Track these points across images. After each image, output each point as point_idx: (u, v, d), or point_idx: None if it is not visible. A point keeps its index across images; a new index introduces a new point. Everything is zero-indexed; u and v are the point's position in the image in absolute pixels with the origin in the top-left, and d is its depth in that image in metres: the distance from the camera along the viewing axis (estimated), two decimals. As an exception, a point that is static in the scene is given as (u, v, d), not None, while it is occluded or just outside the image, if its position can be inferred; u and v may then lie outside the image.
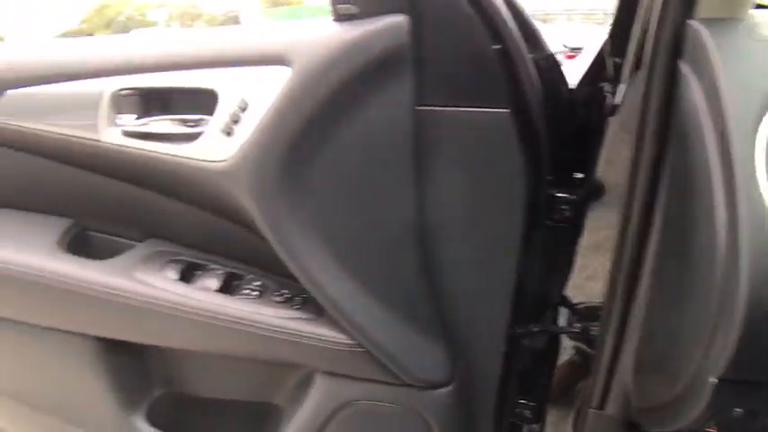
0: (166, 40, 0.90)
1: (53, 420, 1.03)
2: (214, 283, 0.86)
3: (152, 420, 0.98)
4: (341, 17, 0.72)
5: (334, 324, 0.80)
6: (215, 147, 0.75)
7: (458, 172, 0.76)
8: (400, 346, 0.81)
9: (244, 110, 0.73)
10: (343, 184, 0.76)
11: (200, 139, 0.77)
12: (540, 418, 1.01)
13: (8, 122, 0.86)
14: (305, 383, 0.90)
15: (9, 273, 0.87)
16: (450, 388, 0.85)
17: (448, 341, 0.85)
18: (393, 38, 0.68)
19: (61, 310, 0.89)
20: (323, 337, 0.81)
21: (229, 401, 1.00)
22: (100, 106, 0.81)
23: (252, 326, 0.82)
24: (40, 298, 0.88)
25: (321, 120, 0.71)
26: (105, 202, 0.94)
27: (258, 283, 0.87)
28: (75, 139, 0.84)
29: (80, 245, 0.94)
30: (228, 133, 0.74)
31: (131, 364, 0.96)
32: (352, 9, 0.70)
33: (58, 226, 0.94)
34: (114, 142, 0.81)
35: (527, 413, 0.99)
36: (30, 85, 0.85)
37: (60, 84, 0.84)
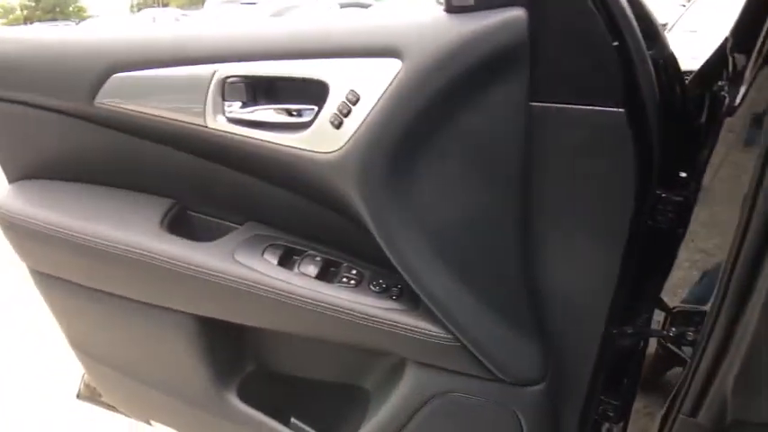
0: (274, 28, 0.91)
1: (148, 389, 1.09)
2: (312, 269, 0.88)
3: (242, 395, 1.02)
4: (455, 8, 0.70)
5: (430, 317, 0.81)
6: (324, 138, 0.76)
7: (566, 170, 0.74)
8: (496, 341, 0.81)
9: (354, 102, 0.73)
10: (449, 179, 0.75)
11: (309, 129, 0.78)
12: (623, 417, 1.00)
13: (114, 105, 0.90)
14: (396, 371, 0.91)
15: (115, 251, 0.92)
16: (541, 386, 0.85)
17: (543, 338, 0.84)
18: (511, 33, 0.67)
19: (163, 288, 0.94)
20: (418, 329, 0.82)
21: (317, 381, 1.03)
22: (208, 93, 0.83)
23: (349, 314, 0.83)
24: (143, 276, 0.93)
25: (432, 115, 0.70)
26: (206, 185, 0.97)
27: (355, 271, 0.89)
28: (180, 123, 0.87)
29: (180, 225, 0.98)
30: (338, 125, 0.75)
31: (226, 341, 1.00)
32: (469, 0, 0.69)
33: (159, 206, 0.99)
34: (221, 129, 0.84)
35: (611, 412, 0.98)
36: (136, 70, 0.88)
37: (167, 68, 0.86)
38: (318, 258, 0.90)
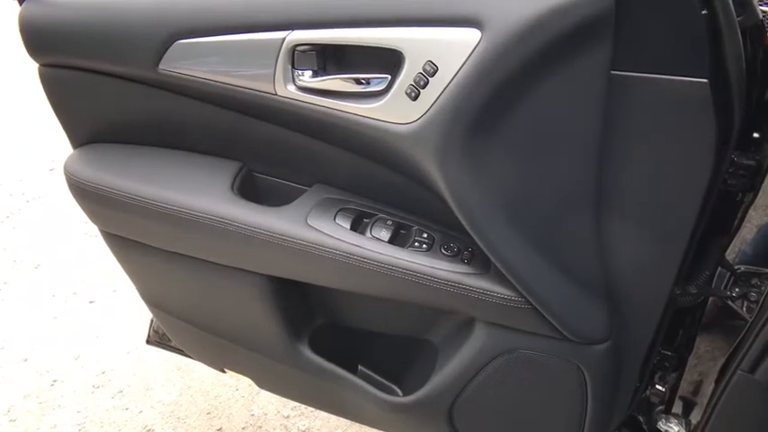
0: None
1: (222, 341, 1.16)
2: (385, 233, 0.91)
3: (313, 347, 1.08)
4: None
5: (501, 279, 0.84)
6: (399, 109, 0.77)
7: (644, 139, 0.75)
8: (565, 303, 0.84)
9: (432, 74, 0.73)
10: (526, 149, 0.77)
11: (383, 99, 0.78)
12: (679, 368, 1.04)
13: (178, 71, 0.91)
14: (463, 328, 0.96)
15: (188, 217, 0.96)
16: (607, 344, 0.89)
17: (609, 298, 0.88)
18: (598, 1, 0.66)
19: (236, 251, 0.98)
20: (489, 292, 0.85)
21: (385, 335, 1.09)
22: (277, 60, 0.84)
23: (422, 278, 0.87)
24: (217, 240, 0.97)
25: (512, 87, 0.71)
26: (273, 148, 0.99)
27: (426, 234, 0.92)
28: (248, 91, 0.88)
29: (249, 188, 1.01)
30: (415, 97, 0.75)
31: (298, 298, 1.05)
32: None
33: (227, 169, 1.01)
34: (291, 97, 0.85)
35: (667, 362, 1.02)
36: (200, 36, 0.89)
37: (233, 35, 0.87)
38: (390, 222, 0.93)
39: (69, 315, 2.21)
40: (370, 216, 0.95)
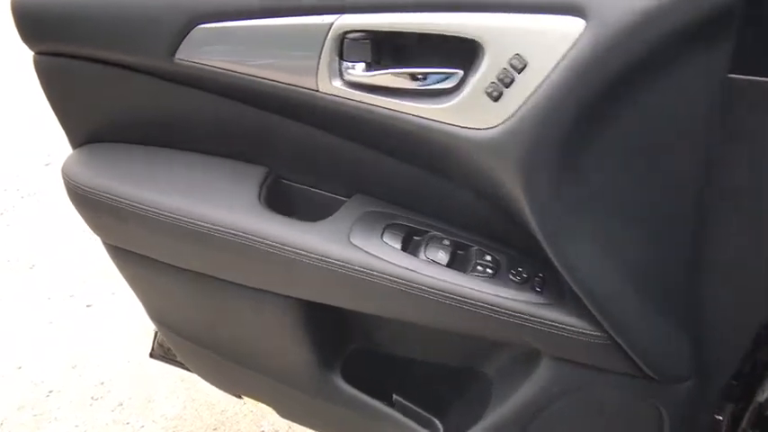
0: None
1: (238, 367, 1.04)
2: (442, 255, 0.79)
3: (345, 375, 0.96)
4: None
5: (578, 311, 0.73)
6: (476, 111, 0.65)
7: (757, 151, 0.64)
8: (651, 339, 0.73)
9: (520, 70, 0.61)
10: (627, 166, 0.65)
11: (455, 99, 0.66)
12: (748, 395, 0.93)
13: (198, 61, 0.79)
14: (525, 361, 0.84)
15: (209, 231, 0.84)
16: (689, 383, 0.78)
17: (696, 334, 0.76)
18: None
19: (264, 271, 0.86)
20: (564, 325, 0.74)
21: (430, 363, 0.97)
22: (322, 50, 0.71)
23: (486, 307, 0.75)
24: (242, 258, 0.85)
25: (620, 87, 0.59)
26: (307, 152, 0.87)
27: (488, 257, 0.80)
28: (283, 86, 0.76)
29: (278, 198, 0.89)
30: (497, 97, 0.63)
31: (331, 322, 0.94)
32: None
33: (252, 176, 0.89)
34: (337, 94, 0.73)
35: (736, 391, 0.91)
36: (226, 20, 0.76)
37: (266, 19, 0.75)
38: (446, 242, 0.81)
39: (66, 319, 2.09)
40: (420, 233, 0.83)
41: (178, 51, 0.79)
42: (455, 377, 0.97)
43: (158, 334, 1.31)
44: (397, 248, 0.80)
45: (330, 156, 0.86)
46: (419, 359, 0.98)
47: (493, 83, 0.63)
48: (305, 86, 0.75)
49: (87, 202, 0.92)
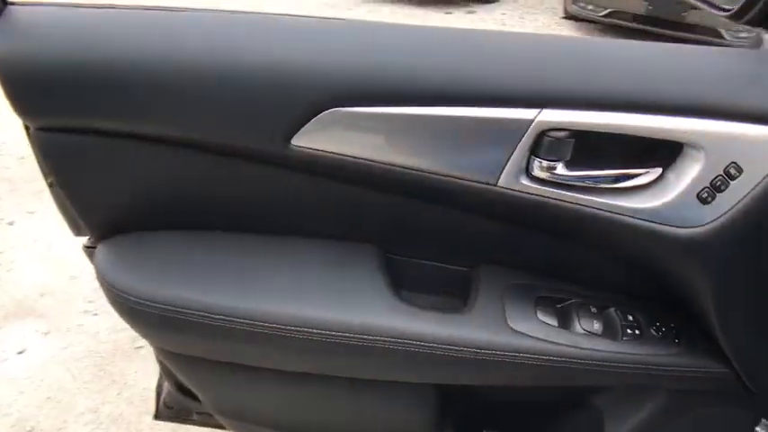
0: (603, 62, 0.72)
1: None
2: (597, 325, 0.80)
3: None
4: None
5: (710, 354, 0.80)
6: (682, 210, 0.68)
7: None
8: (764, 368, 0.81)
9: (733, 177, 0.64)
10: None
11: (660, 199, 0.68)
12: None
13: (321, 148, 0.70)
14: (639, 390, 0.88)
15: (333, 339, 0.75)
16: None
17: None
18: None
19: (410, 368, 0.80)
20: (698, 368, 0.80)
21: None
22: (517, 145, 0.67)
23: (641, 367, 0.79)
24: (382, 359, 0.78)
25: None
26: (422, 225, 0.82)
27: (630, 317, 0.82)
28: (446, 179, 0.70)
29: (394, 277, 0.82)
30: (708, 200, 0.66)
31: (464, 404, 0.91)
32: None
33: (366, 260, 0.81)
34: (522, 190, 0.70)
35: None
36: (364, 105, 0.68)
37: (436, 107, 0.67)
38: (594, 309, 0.82)
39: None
40: (564, 301, 0.83)
41: (296, 137, 0.69)
42: (565, 410, 0.98)
43: (163, 392, 1.16)
44: (554, 326, 0.79)
45: (452, 228, 0.82)
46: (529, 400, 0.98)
47: (707, 188, 0.66)
48: (480, 181, 0.69)
49: (141, 314, 0.77)
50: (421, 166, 0.70)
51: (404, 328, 0.75)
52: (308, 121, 0.68)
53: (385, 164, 0.71)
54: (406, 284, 0.85)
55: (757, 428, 1.06)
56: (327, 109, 0.68)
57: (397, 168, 0.71)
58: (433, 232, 0.84)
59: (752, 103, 0.65)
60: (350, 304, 0.76)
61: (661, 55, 0.71)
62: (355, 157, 0.70)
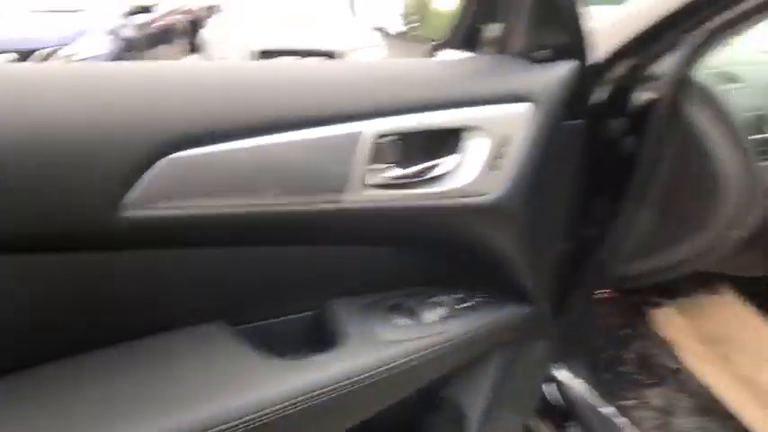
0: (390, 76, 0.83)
1: None
2: (439, 311, 0.92)
3: None
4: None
5: (522, 304, 0.97)
6: (481, 182, 0.81)
7: None
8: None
9: (505, 145, 0.81)
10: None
11: (461, 176, 0.80)
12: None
13: (159, 208, 0.63)
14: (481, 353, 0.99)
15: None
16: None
17: None
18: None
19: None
20: (513, 317, 0.97)
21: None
22: (353, 156, 0.71)
23: (482, 330, 0.93)
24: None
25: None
26: (270, 279, 0.82)
27: (460, 295, 0.96)
28: (292, 209, 0.71)
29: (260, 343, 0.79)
30: (494, 167, 0.81)
31: None
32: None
33: (220, 340, 0.76)
34: (366, 199, 0.75)
35: None
36: (205, 144, 0.64)
37: (238, 141, 0.65)
38: (432, 299, 0.93)
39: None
40: (401, 305, 0.92)
41: (125, 200, 0.61)
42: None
43: None
44: (415, 324, 0.89)
45: (302, 267, 0.84)
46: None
47: (490, 159, 0.81)
48: (327, 200, 0.72)
49: None
50: (266, 200, 0.69)
51: (286, 389, 0.72)
52: (138, 177, 0.61)
53: (231, 209, 0.68)
54: (270, 348, 0.80)
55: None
56: (158, 159, 0.62)
57: (244, 212, 0.68)
58: (283, 282, 0.84)
59: (493, 89, 0.82)
60: (226, 390, 0.70)
61: (425, 66, 0.88)
62: (192, 214, 0.66)
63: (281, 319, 0.86)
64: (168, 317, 0.75)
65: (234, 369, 0.72)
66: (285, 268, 0.82)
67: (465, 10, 0.93)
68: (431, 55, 0.98)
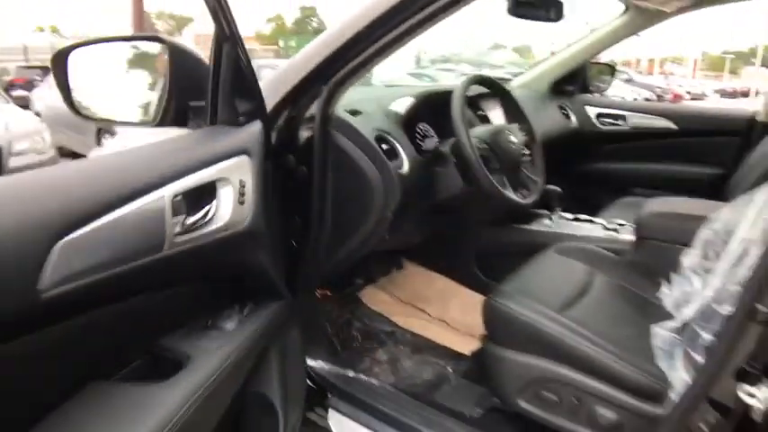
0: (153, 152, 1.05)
1: None
2: (230, 323, 1.16)
3: None
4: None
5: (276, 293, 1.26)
6: (235, 216, 1.05)
7: None
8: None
9: (243, 186, 1.08)
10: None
11: (223, 213, 1.04)
12: None
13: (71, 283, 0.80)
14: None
15: None
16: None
17: None
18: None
19: None
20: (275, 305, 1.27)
21: None
22: (165, 216, 0.93)
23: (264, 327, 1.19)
24: None
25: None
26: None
27: (237, 306, 1.20)
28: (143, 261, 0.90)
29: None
30: (241, 203, 1.07)
31: None
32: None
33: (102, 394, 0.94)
34: (177, 244, 0.95)
35: None
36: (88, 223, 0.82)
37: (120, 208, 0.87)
38: (229, 313, 1.18)
39: None
40: (209, 324, 1.17)
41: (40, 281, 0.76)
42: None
43: None
44: (221, 334, 1.13)
45: (125, 324, 1.01)
46: None
47: (237, 197, 1.07)
48: (149, 255, 0.92)
49: None
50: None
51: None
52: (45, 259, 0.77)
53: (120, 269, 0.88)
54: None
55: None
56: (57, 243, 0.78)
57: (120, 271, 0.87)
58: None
59: (225, 149, 1.08)
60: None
61: (180, 140, 1.11)
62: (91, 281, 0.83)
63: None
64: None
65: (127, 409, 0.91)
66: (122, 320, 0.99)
67: (170, 93, 1.13)
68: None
